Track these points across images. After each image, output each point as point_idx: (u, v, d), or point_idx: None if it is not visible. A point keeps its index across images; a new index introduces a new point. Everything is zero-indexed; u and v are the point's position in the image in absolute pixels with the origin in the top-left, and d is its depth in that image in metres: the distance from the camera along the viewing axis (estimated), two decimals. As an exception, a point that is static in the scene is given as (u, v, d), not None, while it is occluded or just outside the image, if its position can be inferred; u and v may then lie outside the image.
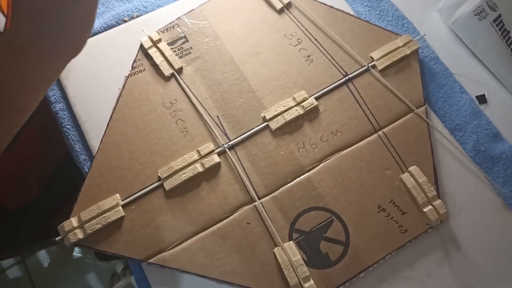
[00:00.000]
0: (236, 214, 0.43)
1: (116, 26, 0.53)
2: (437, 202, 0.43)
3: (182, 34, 0.51)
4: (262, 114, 0.47)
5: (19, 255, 1.19)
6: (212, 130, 0.46)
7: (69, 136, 0.47)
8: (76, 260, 1.21)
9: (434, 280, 0.41)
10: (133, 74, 0.49)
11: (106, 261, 1.17)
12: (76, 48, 0.26)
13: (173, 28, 0.52)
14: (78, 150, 0.47)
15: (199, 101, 0.48)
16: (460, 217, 0.44)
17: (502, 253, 0.42)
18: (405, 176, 0.44)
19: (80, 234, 0.41)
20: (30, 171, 0.62)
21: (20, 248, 1.03)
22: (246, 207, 0.43)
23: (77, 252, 1.21)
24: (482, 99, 0.50)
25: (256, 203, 0.43)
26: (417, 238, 0.42)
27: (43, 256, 1.22)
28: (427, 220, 0.43)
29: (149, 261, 0.41)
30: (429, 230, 0.43)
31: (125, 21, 0.53)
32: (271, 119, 0.46)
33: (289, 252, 0.41)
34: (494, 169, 0.46)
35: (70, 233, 0.41)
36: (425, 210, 0.42)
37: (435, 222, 0.42)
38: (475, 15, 0.51)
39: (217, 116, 0.47)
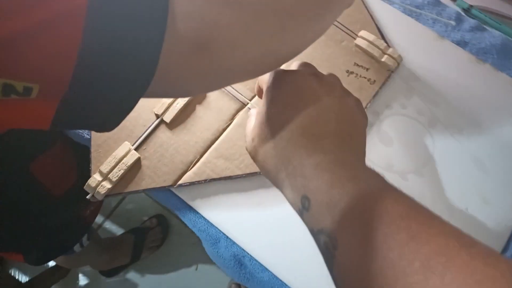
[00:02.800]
0: (235, 120, 0.48)
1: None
2: (390, 50, 0.51)
3: None
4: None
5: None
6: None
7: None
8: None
9: (409, 109, 0.49)
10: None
11: (113, 275, 1.17)
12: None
13: None
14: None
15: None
16: (410, 56, 0.52)
17: (449, 70, 0.51)
18: (358, 41, 0.52)
19: (107, 185, 0.44)
20: (69, 160, 0.65)
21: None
22: (241, 112, 0.49)
23: (82, 280, 1.19)
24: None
25: (248, 104, 0.49)
26: (384, 84, 0.50)
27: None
28: (387, 67, 0.51)
29: (179, 183, 0.45)
30: (391, 74, 0.51)
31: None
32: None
33: (291, 130, 0.47)
34: (422, 15, 0.55)
35: (99, 187, 0.44)
36: (383, 60, 0.50)
37: (393, 66, 0.50)
38: None
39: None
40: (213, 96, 0.49)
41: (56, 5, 0.18)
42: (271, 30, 0.25)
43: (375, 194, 0.23)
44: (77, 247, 0.84)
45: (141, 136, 0.47)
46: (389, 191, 0.24)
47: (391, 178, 0.46)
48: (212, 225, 0.45)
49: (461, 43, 0.53)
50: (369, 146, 0.47)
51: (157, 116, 0.48)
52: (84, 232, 0.81)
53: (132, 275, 1.18)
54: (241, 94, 0.49)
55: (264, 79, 0.32)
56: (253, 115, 0.33)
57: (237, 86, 0.50)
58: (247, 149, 0.32)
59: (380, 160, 0.47)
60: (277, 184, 0.29)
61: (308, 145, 0.27)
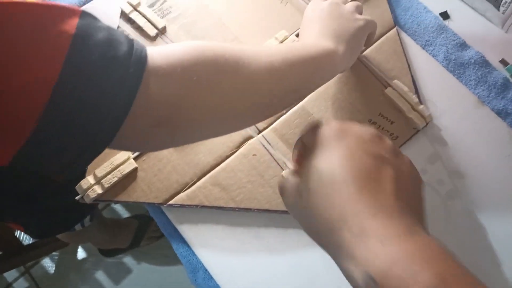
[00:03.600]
0: (241, 149, 0.46)
1: (94, -1, 0.54)
2: (421, 107, 0.47)
3: (160, -4, 0.53)
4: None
5: (22, 265, 1.19)
6: (205, 77, 0.49)
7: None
8: (81, 262, 1.21)
9: (430, 176, 0.45)
10: (119, 40, 0.51)
11: (111, 256, 1.18)
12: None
13: (150, -8, 0.54)
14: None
15: (187, 54, 0.50)
16: (443, 118, 0.48)
17: (483, 142, 0.47)
18: (389, 90, 0.48)
19: (98, 190, 0.43)
20: None
21: (21, 255, 1.04)
22: (249, 141, 0.46)
23: (81, 253, 1.22)
24: (445, 15, 0.55)
25: (258, 136, 0.47)
26: (407, 143, 0.47)
27: (47, 263, 1.22)
28: (414, 124, 0.47)
29: (169, 202, 0.44)
30: (417, 133, 0.47)
31: (101, -7, 0.55)
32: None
33: (296, 173, 0.44)
34: (465, 74, 0.51)
35: (89, 190, 0.43)
36: (410, 116, 0.46)
37: (421, 125, 0.46)
38: None
39: (207, 65, 0.50)
40: (225, 119, 0.47)
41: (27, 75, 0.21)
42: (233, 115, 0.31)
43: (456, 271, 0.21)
44: (78, 226, 0.85)
45: (143, 146, 0.46)
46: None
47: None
48: (193, 253, 0.44)
49: (502, 113, 0.48)
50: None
51: (164, 129, 0.46)
52: (86, 214, 0.82)
53: (128, 260, 1.19)
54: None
55: (315, 131, 0.30)
56: (290, 176, 0.31)
57: (251, 113, 0.47)
58: (286, 202, 0.31)
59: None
60: (327, 247, 0.26)
61: (370, 203, 0.25)
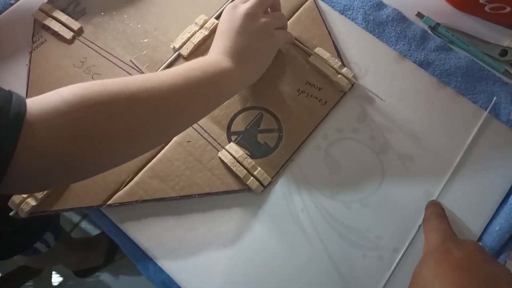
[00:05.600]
0: (174, 137, 0.46)
1: (6, 10, 0.52)
2: (344, 70, 0.48)
3: (72, -2, 0.52)
4: (171, 46, 0.49)
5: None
6: (131, 73, 0.48)
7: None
8: (59, 287, 1.18)
9: (361, 133, 0.46)
10: (35, 48, 0.49)
11: (87, 276, 1.15)
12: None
13: (62, -4, 0.52)
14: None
15: (108, 52, 0.49)
16: (367, 77, 0.49)
17: (408, 94, 0.48)
18: (312, 58, 0.49)
19: (32, 202, 0.42)
20: None
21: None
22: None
23: (57, 278, 1.18)
24: (359, -21, 0.56)
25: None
26: (336, 106, 0.47)
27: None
28: (340, 87, 0.48)
29: (108, 203, 0.43)
30: (344, 95, 0.48)
31: (11, 4, 0.53)
32: (180, 47, 0.49)
33: (232, 152, 0.45)
34: (385, 32, 0.52)
35: (22, 204, 0.42)
36: (335, 79, 0.47)
37: (346, 87, 0.47)
38: None
39: (130, 60, 0.49)
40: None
41: None
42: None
43: None
44: (43, 248, 0.83)
45: (73, 151, 0.44)
46: None
47: (334, 206, 0.43)
48: (140, 249, 0.43)
49: (424, 64, 0.50)
50: (315, 172, 0.45)
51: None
52: (42, 232, 0.79)
53: (106, 277, 1.17)
54: (183, 111, 0.47)
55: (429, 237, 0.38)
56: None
57: (180, 101, 0.47)
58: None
59: (324, 187, 0.44)
60: None
61: None
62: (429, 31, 0.52)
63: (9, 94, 0.28)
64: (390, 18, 0.52)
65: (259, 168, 0.44)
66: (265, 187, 0.44)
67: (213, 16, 0.51)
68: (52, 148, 0.28)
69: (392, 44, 0.51)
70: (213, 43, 0.43)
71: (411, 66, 0.50)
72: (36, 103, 0.29)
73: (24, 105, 0.28)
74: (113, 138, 0.31)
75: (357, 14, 0.53)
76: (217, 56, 0.40)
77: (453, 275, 0.31)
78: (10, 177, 0.27)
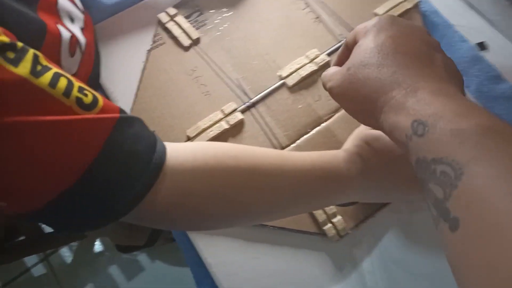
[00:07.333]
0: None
1: (133, 5, 0.56)
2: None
3: (197, 8, 0.55)
4: (278, 73, 0.50)
5: (42, 251, 1.22)
6: (234, 90, 0.50)
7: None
8: (97, 255, 1.24)
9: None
10: (154, 47, 0.52)
11: (127, 252, 1.20)
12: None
13: (188, 3, 0.55)
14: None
15: (218, 66, 0.51)
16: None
17: None
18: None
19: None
20: None
21: (45, 244, 1.07)
22: (271, 157, 0.47)
23: (98, 247, 1.25)
24: (482, 46, 0.53)
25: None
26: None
27: (65, 253, 1.26)
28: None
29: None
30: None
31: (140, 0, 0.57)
32: (287, 76, 0.50)
33: (315, 193, 0.44)
34: (496, 107, 0.49)
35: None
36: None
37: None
38: (469, -32, 0.55)
39: (237, 78, 0.51)
40: (249, 132, 0.48)
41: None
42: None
43: (501, 125, 0.21)
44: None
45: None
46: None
47: (402, 277, 0.42)
48: (202, 262, 0.44)
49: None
50: (391, 238, 0.43)
51: (188, 138, 0.47)
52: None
53: (143, 258, 1.21)
54: (277, 140, 0.47)
55: (365, 23, 0.31)
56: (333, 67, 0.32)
57: (276, 130, 0.48)
58: (332, 85, 0.30)
59: (398, 255, 0.43)
60: (373, 111, 0.27)
61: (422, 71, 0.26)
62: (546, 118, 0.49)
63: (154, 140, 0.31)
64: (505, 95, 0.50)
65: (339, 217, 0.43)
66: (341, 237, 0.43)
67: (325, 52, 0.51)
68: (180, 199, 0.31)
69: (504, 123, 0.48)
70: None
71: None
72: (173, 154, 0.31)
73: (164, 155, 0.30)
74: (229, 207, 0.33)
75: (471, 82, 0.51)
76: (341, 156, 0.37)
77: (392, 42, 0.28)
78: (140, 212, 0.29)
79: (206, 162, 0.31)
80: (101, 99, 0.27)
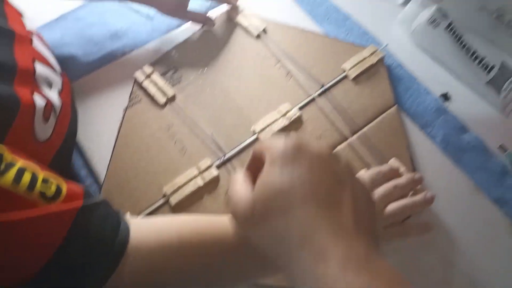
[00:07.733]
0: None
1: (110, 63, 0.58)
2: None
3: (172, 65, 0.57)
4: (252, 128, 0.52)
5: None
6: (209, 146, 0.51)
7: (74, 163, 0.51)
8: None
9: (422, 262, 0.45)
10: (131, 106, 0.54)
11: None
12: None
13: (163, 60, 0.57)
14: (83, 175, 0.50)
15: (193, 122, 0.53)
16: (438, 201, 0.48)
17: (476, 230, 0.47)
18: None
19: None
20: None
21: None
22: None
23: None
24: (445, 96, 0.56)
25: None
26: (402, 225, 0.47)
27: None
28: (409, 207, 0.47)
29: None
30: (410, 217, 0.47)
31: (117, 57, 0.58)
32: (260, 131, 0.51)
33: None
34: (463, 159, 0.51)
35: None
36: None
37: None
38: (430, 23, 0.58)
39: (212, 134, 0.52)
40: (224, 187, 0.49)
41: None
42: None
43: None
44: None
45: (142, 212, 0.47)
46: None
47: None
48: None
49: (499, 202, 0.48)
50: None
51: (164, 195, 0.48)
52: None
53: None
54: (251, 196, 0.48)
55: (272, 145, 0.28)
56: (241, 178, 0.29)
57: (250, 185, 0.49)
58: (236, 215, 0.27)
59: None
60: (282, 260, 0.25)
61: (330, 226, 0.24)
62: (510, 167, 0.51)
63: (117, 222, 0.32)
64: (471, 146, 0.52)
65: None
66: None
67: (297, 106, 0.53)
68: (144, 278, 0.32)
69: (469, 173, 0.50)
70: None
71: (484, 201, 0.48)
72: (137, 234, 0.32)
73: (127, 236, 0.31)
74: (196, 283, 0.34)
75: (437, 133, 0.53)
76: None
77: (299, 183, 0.25)
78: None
79: (171, 240, 0.32)
80: (64, 188, 0.28)
